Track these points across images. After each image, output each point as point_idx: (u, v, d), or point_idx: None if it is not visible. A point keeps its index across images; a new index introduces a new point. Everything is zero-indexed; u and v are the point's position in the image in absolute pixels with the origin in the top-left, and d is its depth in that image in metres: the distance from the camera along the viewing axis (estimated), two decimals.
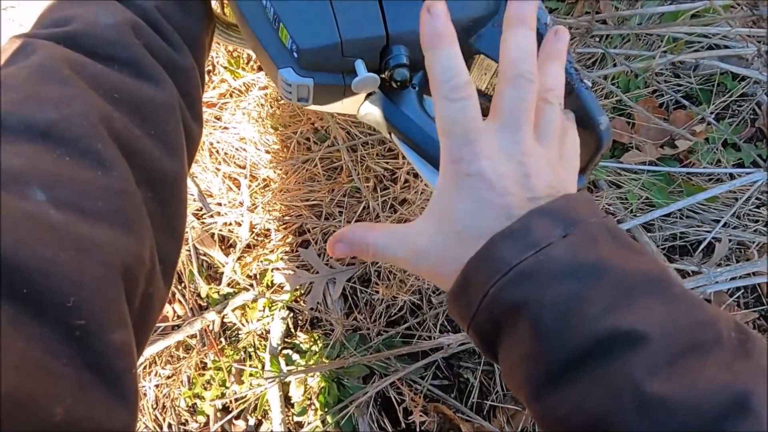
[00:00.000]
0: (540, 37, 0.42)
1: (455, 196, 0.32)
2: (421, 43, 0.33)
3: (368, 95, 0.43)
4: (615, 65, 0.92)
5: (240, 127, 1.07)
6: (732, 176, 0.92)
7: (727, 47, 0.92)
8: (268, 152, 1.08)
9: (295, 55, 0.40)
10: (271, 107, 1.08)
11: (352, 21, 0.40)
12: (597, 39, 0.90)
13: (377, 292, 1.02)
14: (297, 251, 1.07)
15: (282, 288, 1.08)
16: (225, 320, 1.11)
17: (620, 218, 1.01)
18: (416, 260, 0.34)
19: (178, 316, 1.12)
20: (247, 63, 1.11)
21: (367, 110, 0.42)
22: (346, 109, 0.47)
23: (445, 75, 0.32)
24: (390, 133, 0.42)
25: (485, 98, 0.47)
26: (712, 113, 0.99)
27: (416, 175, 1.02)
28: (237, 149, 1.09)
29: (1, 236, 0.23)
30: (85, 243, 0.27)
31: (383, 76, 0.41)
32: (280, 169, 1.08)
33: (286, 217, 1.09)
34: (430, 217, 0.34)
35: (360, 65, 0.40)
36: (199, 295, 1.12)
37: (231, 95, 1.09)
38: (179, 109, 0.40)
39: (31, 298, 0.23)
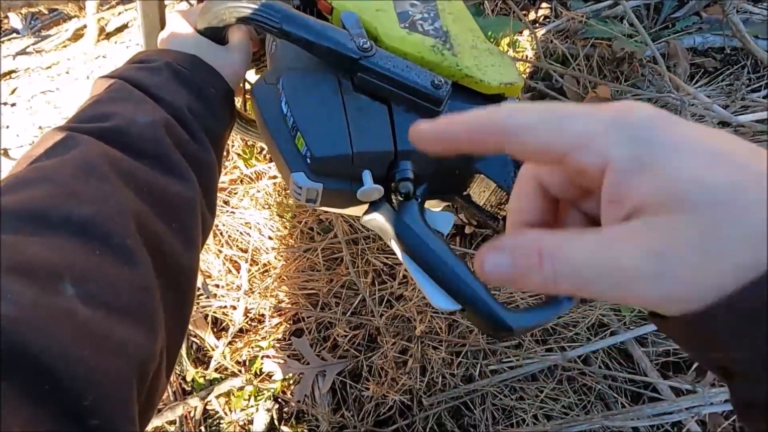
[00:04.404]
0: None
1: (656, 165, 0.20)
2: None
3: (373, 203, 0.46)
4: None
5: (246, 213, 1.11)
6: None
7: None
8: (271, 238, 1.11)
9: (308, 161, 0.43)
10: (279, 196, 1.12)
11: (364, 135, 0.44)
12: None
13: (367, 388, 1.00)
14: (289, 340, 1.07)
15: (270, 377, 1.06)
16: (208, 407, 1.07)
17: (614, 330, 1.02)
18: (663, 262, 0.19)
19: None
20: (260, 152, 1.17)
21: (371, 217, 0.45)
22: (351, 212, 0.50)
23: None
24: (391, 241, 0.44)
25: (483, 213, 0.50)
26: None
27: None
28: (241, 233, 1.12)
29: (35, 334, 0.25)
30: (109, 341, 0.28)
31: (389, 186, 0.45)
32: (282, 256, 1.10)
33: (282, 304, 1.09)
34: (677, 186, 0.19)
35: (367, 176, 0.44)
36: (184, 378, 1.09)
37: (242, 182, 1.14)
38: (199, 204, 0.43)
39: (52, 395, 0.24)
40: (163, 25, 0.61)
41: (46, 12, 0.77)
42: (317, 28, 0.44)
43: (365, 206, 0.46)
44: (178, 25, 0.55)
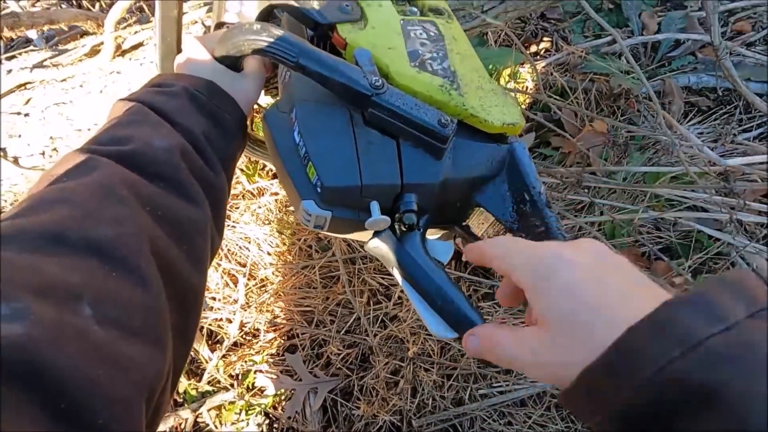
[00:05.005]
0: (534, 204, 0.48)
1: (550, 285, 0.31)
2: None
3: (377, 231, 0.48)
4: (602, 213, 1.00)
5: (247, 228, 1.12)
6: None
7: (704, 210, 1.00)
8: (270, 254, 1.12)
9: (319, 190, 0.45)
10: (280, 212, 1.14)
11: (373, 169, 0.46)
12: (586, 189, 0.99)
13: (358, 407, 1.01)
14: (283, 355, 1.08)
15: (262, 392, 1.07)
16: (199, 420, 1.07)
17: None
18: (536, 357, 0.31)
19: None
20: (263, 169, 1.19)
21: (375, 245, 0.47)
22: (356, 237, 0.52)
23: None
24: (393, 268, 0.46)
25: None
26: (690, 267, 1.05)
27: None
28: (240, 248, 1.13)
29: (54, 355, 0.26)
30: (122, 361, 0.29)
31: (394, 217, 0.47)
32: (279, 272, 1.11)
33: (278, 320, 1.10)
34: (546, 311, 0.31)
35: (375, 207, 0.46)
36: (176, 389, 1.10)
37: (244, 197, 1.16)
38: (209, 226, 0.45)
39: (67, 413, 0.26)
40: (179, 49, 0.63)
41: (65, 29, 0.79)
42: (332, 64, 0.47)
43: (369, 232, 0.48)
44: (196, 51, 0.56)
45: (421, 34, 0.54)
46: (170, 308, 0.36)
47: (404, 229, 0.46)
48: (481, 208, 0.51)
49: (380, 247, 0.47)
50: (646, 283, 0.31)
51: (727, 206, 0.90)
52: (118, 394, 0.28)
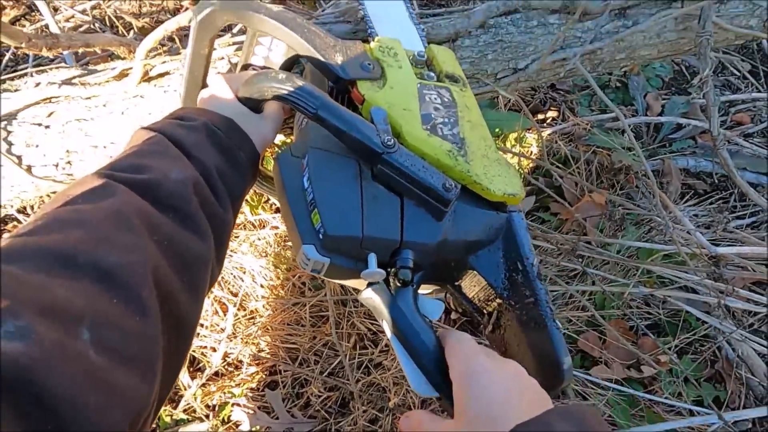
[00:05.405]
0: (526, 274, 0.49)
1: (473, 387, 0.39)
2: None
3: (372, 282, 0.49)
4: (594, 283, 1.02)
5: (244, 258, 1.13)
6: (692, 413, 0.96)
7: (694, 291, 1.02)
8: (263, 287, 1.13)
9: (321, 237, 0.47)
10: (278, 246, 1.16)
11: (376, 222, 0.47)
12: (580, 258, 1.01)
13: None
14: (263, 391, 1.07)
15: (237, 426, 1.05)
16: None
17: None
18: None
19: None
20: (266, 202, 1.21)
21: (369, 296, 0.48)
22: (350, 284, 0.53)
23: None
24: (383, 321, 0.47)
25: (471, 305, 0.54)
26: (676, 347, 1.06)
27: None
28: (235, 277, 1.14)
29: (50, 377, 0.27)
30: (114, 388, 0.30)
31: (389, 271, 0.48)
32: (270, 306, 1.12)
33: (262, 354, 1.10)
34: (465, 406, 0.39)
35: (372, 259, 0.47)
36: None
37: (245, 227, 1.18)
38: (212, 260, 0.46)
39: None
40: (204, 84, 0.66)
41: (98, 51, 0.83)
42: (348, 119, 0.49)
43: (363, 282, 0.50)
44: (220, 89, 0.59)
45: (435, 98, 0.57)
46: (164, 339, 0.37)
47: (398, 285, 0.47)
48: (475, 272, 0.52)
49: (373, 299, 0.48)
50: (544, 402, 0.40)
51: (716, 291, 0.91)
52: (106, 421, 0.29)
